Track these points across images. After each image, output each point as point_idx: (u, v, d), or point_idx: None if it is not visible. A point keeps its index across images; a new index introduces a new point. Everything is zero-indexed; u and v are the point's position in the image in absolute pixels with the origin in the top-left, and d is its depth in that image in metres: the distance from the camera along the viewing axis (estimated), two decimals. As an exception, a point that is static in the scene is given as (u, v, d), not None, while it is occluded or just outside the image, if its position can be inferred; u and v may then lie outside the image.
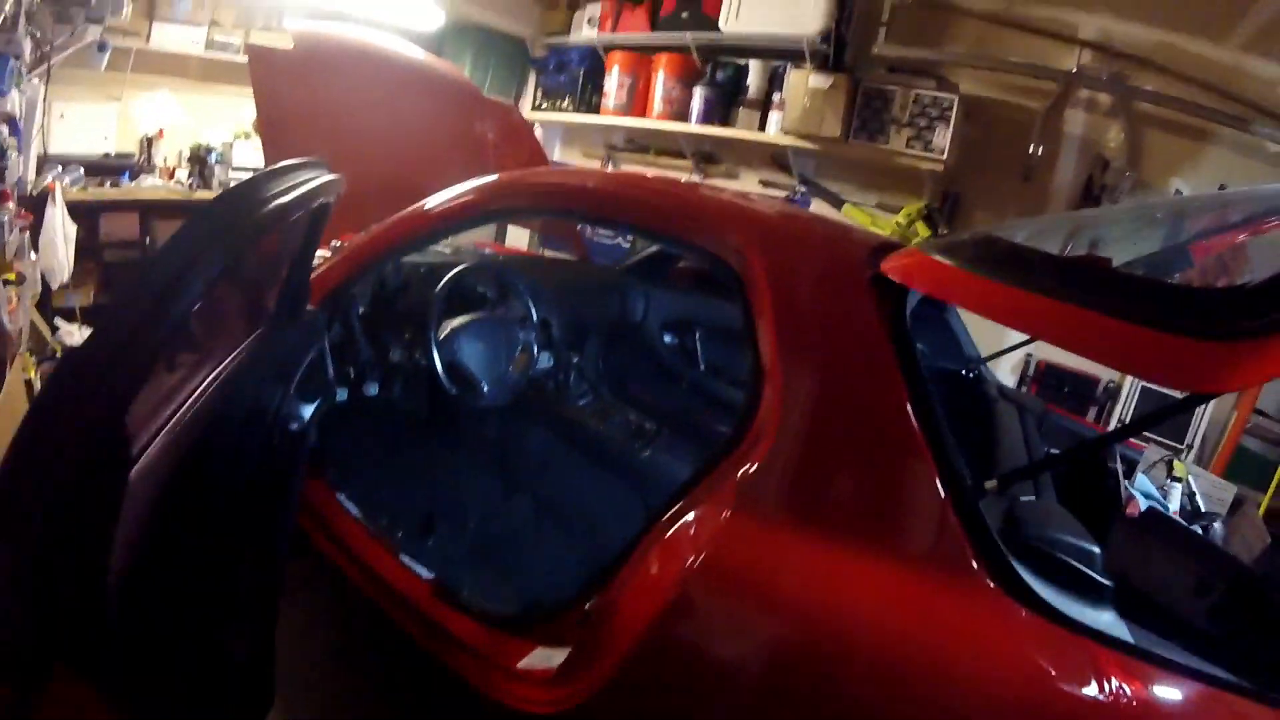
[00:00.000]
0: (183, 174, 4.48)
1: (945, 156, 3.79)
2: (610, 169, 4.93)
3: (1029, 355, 3.91)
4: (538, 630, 1.66)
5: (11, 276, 3.19)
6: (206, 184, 4.50)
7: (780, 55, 4.22)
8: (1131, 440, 2.38)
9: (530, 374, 2.49)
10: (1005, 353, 2.64)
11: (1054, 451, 2.20)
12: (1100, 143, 3.80)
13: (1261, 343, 0.95)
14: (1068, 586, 1.20)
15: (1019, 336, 2.22)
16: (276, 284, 1.70)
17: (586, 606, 1.54)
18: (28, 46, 3.24)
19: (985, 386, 2.41)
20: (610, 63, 4.71)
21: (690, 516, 1.39)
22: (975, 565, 1.16)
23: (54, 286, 3.76)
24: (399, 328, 2.29)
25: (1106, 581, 1.21)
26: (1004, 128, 3.97)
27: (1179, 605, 1.35)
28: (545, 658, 1.58)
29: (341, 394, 2.16)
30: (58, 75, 3.85)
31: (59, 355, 3.57)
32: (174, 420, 1.27)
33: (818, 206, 4.41)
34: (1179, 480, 2.12)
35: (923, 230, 3.73)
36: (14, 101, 3.05)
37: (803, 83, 3.96)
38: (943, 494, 1.22)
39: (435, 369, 2.16)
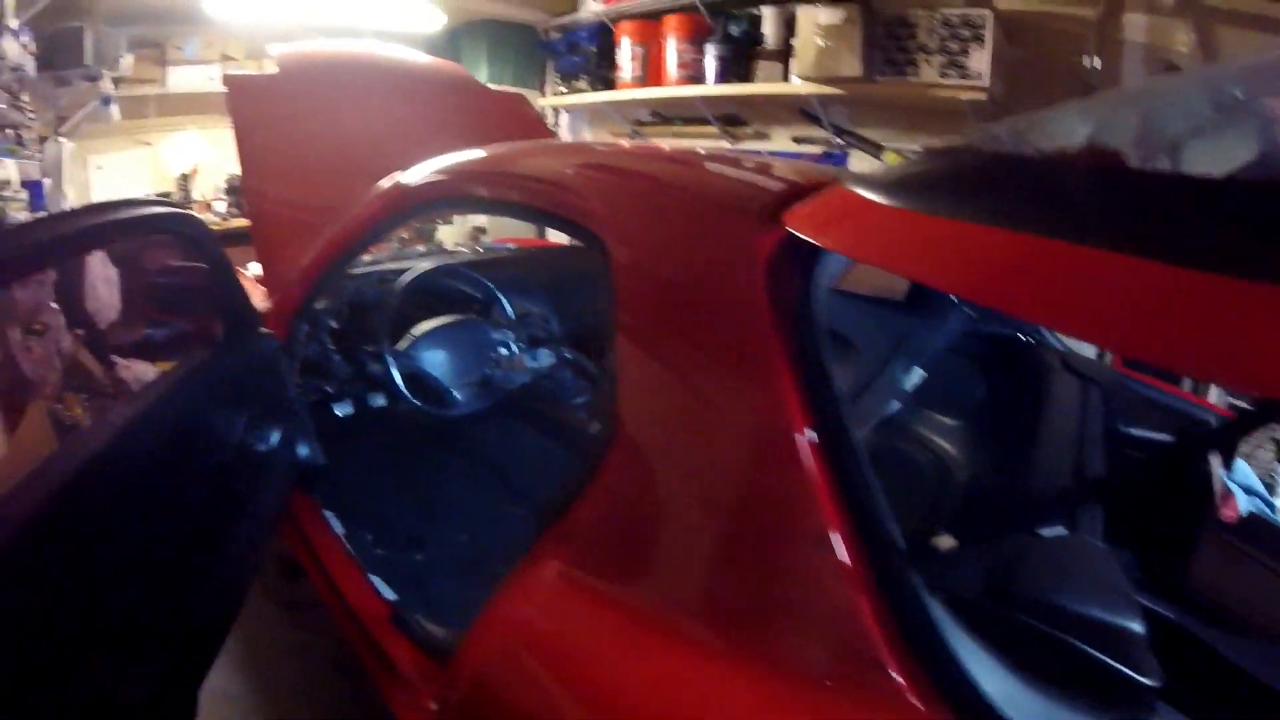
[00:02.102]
0: (220, 206, 4.72)
1: (986, 82, 3.40)
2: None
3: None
4: None
5: (39, 328, 3.45)
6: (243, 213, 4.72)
7: (792, -3, 3.94)
8: (1222, 407, 1.94)
9: (523, 376, 2.38)
10: None
11: (1134, 435, 1.77)
12: (1167, 48, 3.30)
13: None
14: (1092, 692, 0.79)
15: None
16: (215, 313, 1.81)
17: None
18: (22, 117, 3.47)
19: (1044, 356, 2.04)
20: (620, 34, 4.60)
21: (532, 560, 1.17)
22: (895, 673, 0.79)
23: (102, 326, 4.03)
24: (372, 340, 2.24)
25: (1149, 681, 0.79)
26: (1053, 42, 3.55)
27: None
28: None
29: (346, 408, 2.16)
30: (87, 131, 4.14)
31: (111, 390, 3.82)
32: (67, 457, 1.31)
33: (857, 159, 4.10)
34: (1295, 463, 1.68)
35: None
36: (8, 168, 3.27)
37: (812, 21, 3.67)
38: (848, 560, 0.84)
39: (393, 382, 2.09)
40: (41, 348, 3.52)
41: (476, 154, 1.79)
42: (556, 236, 4.80)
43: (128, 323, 4.49)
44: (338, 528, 1.98)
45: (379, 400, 2.21)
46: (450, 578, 2.21)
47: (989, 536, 1.19)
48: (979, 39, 3.43)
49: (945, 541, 0.82)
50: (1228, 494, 1.44)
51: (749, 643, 0.90)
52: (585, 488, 1.15)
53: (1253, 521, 1.38)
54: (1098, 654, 0.78)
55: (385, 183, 1.98)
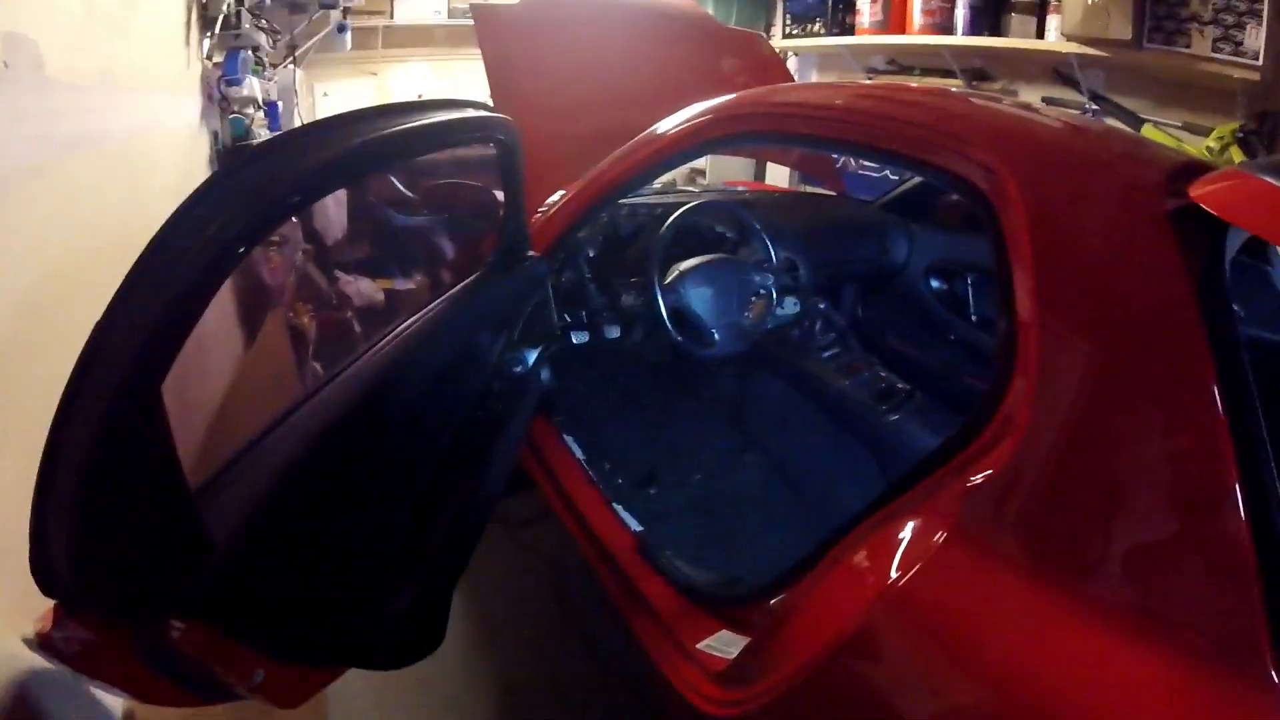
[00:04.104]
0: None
1: (1260, 61, 3.15)
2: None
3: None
4: (732, 610, 1.51)
5: (279, 240, 3.77)
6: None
7: (1058, -56, 3.71)
8: None
9: (770, 321, 2.33)
10: None
11: None
12: None
13: None
14: None
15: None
16: (491, 233, 1.85)
17: (772, 602, 1.38)
18: (263, 39, 3.73)
19: None
20: (861, -25, 4.45)
21: (898, 526, 1.13)
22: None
23: (328, 243, 4.33)
24: (631, 272, 2.26)
25: None
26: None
27: None
28: (726, 644, 1.44)
29: (582, 336, 2.16)
30: (315, 59, 4.40)
31: (335, 302, 4.14)
32: (348, 370, 1.45)
33: (1112, 128, 3.92)
34: None
35: (1238, 157, 3.17)
36: (252, 87, 3.57)
37: (1082, -25, 3.47)
38: (1248, 549, 0.85)
39: (660, 315, 2.08)
40: (280, 258, 3.82)
41: (829, 88, 1.76)
42: (778, 180, 4.81)
43: (353, 240, 4.78)
44: (578, 454, 2.08)
45: (614, 332, 2.20)
46: (688, 515, 2.29)
47: None
48: (1256, 14, 3.17)
49: None
50: None
51: (1157, 615, 0.92)
52: (968, 450, 1.13)
53: None
54: None
55: (688, 111, 1.93)
